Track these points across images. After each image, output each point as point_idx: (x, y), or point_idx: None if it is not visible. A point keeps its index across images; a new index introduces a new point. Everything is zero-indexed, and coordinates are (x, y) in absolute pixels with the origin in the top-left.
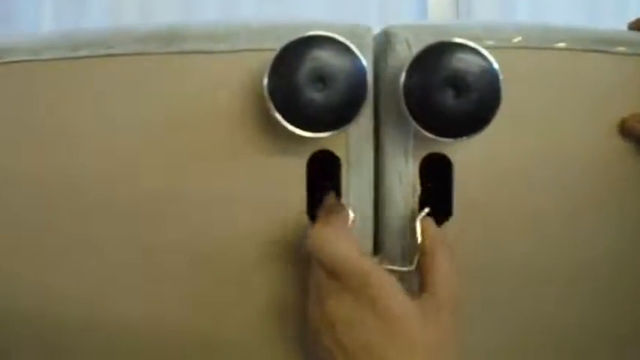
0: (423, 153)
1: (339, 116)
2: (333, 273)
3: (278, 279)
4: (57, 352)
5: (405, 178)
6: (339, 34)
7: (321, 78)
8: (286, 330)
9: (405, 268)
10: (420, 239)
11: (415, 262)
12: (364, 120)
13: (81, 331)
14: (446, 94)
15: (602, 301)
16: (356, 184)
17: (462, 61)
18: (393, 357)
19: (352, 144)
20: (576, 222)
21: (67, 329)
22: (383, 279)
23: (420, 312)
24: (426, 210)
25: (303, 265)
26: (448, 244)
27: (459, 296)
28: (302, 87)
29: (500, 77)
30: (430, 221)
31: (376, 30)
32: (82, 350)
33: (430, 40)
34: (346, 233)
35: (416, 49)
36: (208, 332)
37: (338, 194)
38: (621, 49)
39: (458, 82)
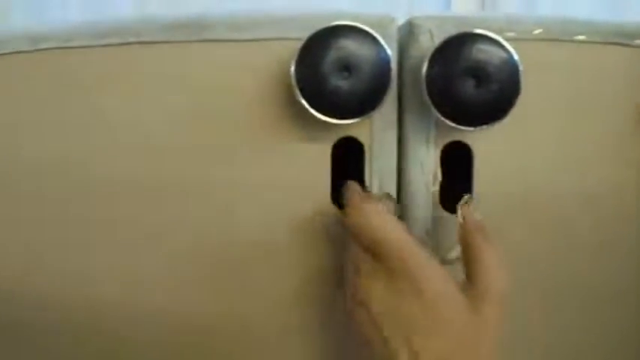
0: (445, 141)
1: (363, 104)
2: (372, 250)
3: (303, 265)
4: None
5: (426, 166)
6: (364, 24)
7: (347, 66)
8: (311, 316)
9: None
10: (460, 226)
11: (457, 251)
12: (388, 108)
13: (113, 321)
14: (467, 84)
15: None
16: (379, 170)
17: (483, 52)
18: (432, 344)
19: (376, 131)
20: (596, 212)
21: (103, 318)
22: (423, 259)
23: (462, 300)
24: (468, 196)
25: (329, 250)
26: (488, 234)
27: (505, 289)
28: (328, 75)
29: (520, 68)
30: (470, 209)
31: (401, 21)
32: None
33: (453, 31)
34: (387, 211)
35: (438, 40)
36: (232, 319)
37: (361, 181)
38: None
39: (479, 72)
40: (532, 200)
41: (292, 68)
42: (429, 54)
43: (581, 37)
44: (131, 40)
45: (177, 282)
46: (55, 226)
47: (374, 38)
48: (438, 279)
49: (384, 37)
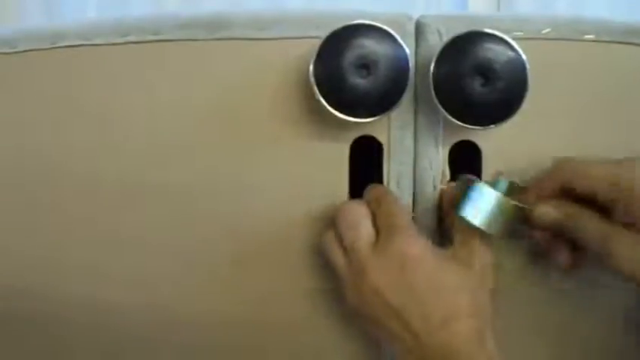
0: (453, 140)
1: (381, 102)
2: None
3: (320, 263)
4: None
5: (434, 165)
6: (382, 22)
7: (365, 65)
8: (327, 314)
9: None
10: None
11: None
12: (405, 107)
13: (122, 319)
14: (473, 83)
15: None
16: (397, 169)
17: (490, 51)
18: (435, 307)
19: (394, 130)
20: None
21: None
22: (409, 232)
23: (453, 261)
24: (469, 177)
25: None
26: None
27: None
28: (347, 73)
29: (528, 67)
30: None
31: None
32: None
33: (461, 30)
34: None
35: (447, 39)
36: (251, 317)
37: (379, 179)
38: None
39: (486, 71)
40: None
41: (311, 67)
42: (436, 53)
43: (590, 37)
44: (150, 38)
45: (189, 280)
46: (65, 223)
47: (392, 37)
48: (428, 248)
49: (401, 36)
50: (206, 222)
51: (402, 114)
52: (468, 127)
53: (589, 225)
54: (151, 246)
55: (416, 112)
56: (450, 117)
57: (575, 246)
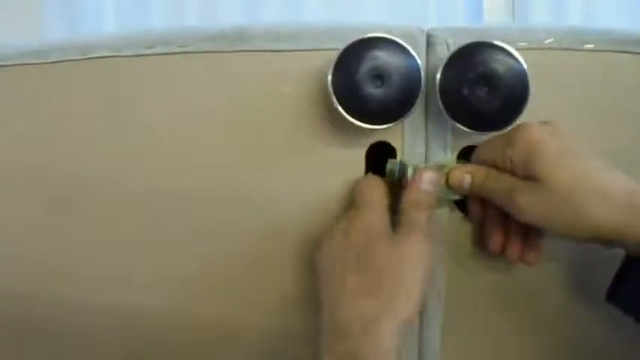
0: (460, 145)
1: (395, 110)
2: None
3: None
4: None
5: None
6: (395, 35)
7: (380, 75)
8: None
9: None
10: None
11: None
12: (418, 114)
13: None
14: (477, 91)
15: None
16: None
17: (493, 61)
18: (360, 278)
19: (407, 136)
20: None
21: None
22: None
23: (389, 238)
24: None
25: None
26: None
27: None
28: (362, 83)
29: (529, 75)
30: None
31: None
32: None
33: (468, 41)
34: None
35: (453, 50)
36: (271, 323)
37: None
38: None
39: (488, 80)
40: None
41: (329, 77)
42: (442, 63)
43: (590, 46)
44: (176, 50)
45: (210, 285)
46: (90, 230)
47: (404, 49)
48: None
49: (413, 48)
50: (227, 228)
51: (414, 121)
52: (472, 133)
53: (496, 183)
54: (172, 251)
55: (426, 119)
56: (455, 123)
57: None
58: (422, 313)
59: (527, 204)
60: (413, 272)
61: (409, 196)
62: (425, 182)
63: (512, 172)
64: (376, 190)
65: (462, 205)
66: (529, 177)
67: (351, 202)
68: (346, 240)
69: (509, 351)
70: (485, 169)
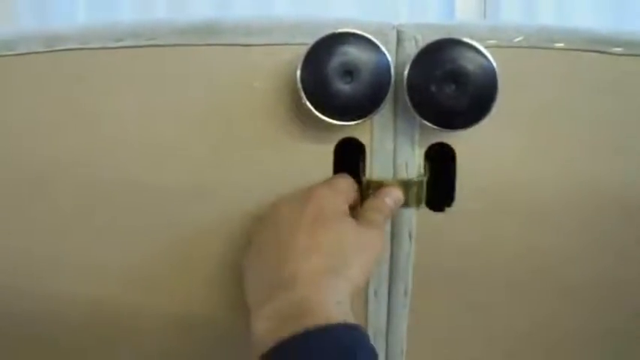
0: (429, 142)
1: (364, 106)
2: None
3: None
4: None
5: (411, 166)
6: (366, 31)
7: (349, 71)
8: None
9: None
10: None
11: None
12: (387, 110)
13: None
14: (445, 88)
15: (605, 297)
16: (378, 170)
17: (461, 58)
18: (346, 237)
19: (376, 132)
20: (575, 212)
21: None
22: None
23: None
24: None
25: None
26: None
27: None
28: (331, 79)
29: (497, 73)
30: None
31: None
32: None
33: (436, 38)
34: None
35: (421, 46)
36: (242, 320)
37: (360, 178)
38: (618, 49)
39: (456, 77)
40: (510, 196)
41: (298, 72)
42: (410, 59)
43: (560, 45)
44: (145, 42)
45: (182, 280)
46: (61, 224)
47: (374, 44)
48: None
49: (384, 44)
50: (197, 222)
51: (383, 117)
52: (439, 130)
53: None
54: (145, 246)
55: (395, 116)
56: (422, 120)
57: None
58: (388, 311)
59: None
60: (368, 249)
61: (370, 203)
62: (388, 196)
63: None
64: (347, 182)
65: (430, 201)
66: None
67: None
68: (308, 205)
69: (477, 351)
70: None
